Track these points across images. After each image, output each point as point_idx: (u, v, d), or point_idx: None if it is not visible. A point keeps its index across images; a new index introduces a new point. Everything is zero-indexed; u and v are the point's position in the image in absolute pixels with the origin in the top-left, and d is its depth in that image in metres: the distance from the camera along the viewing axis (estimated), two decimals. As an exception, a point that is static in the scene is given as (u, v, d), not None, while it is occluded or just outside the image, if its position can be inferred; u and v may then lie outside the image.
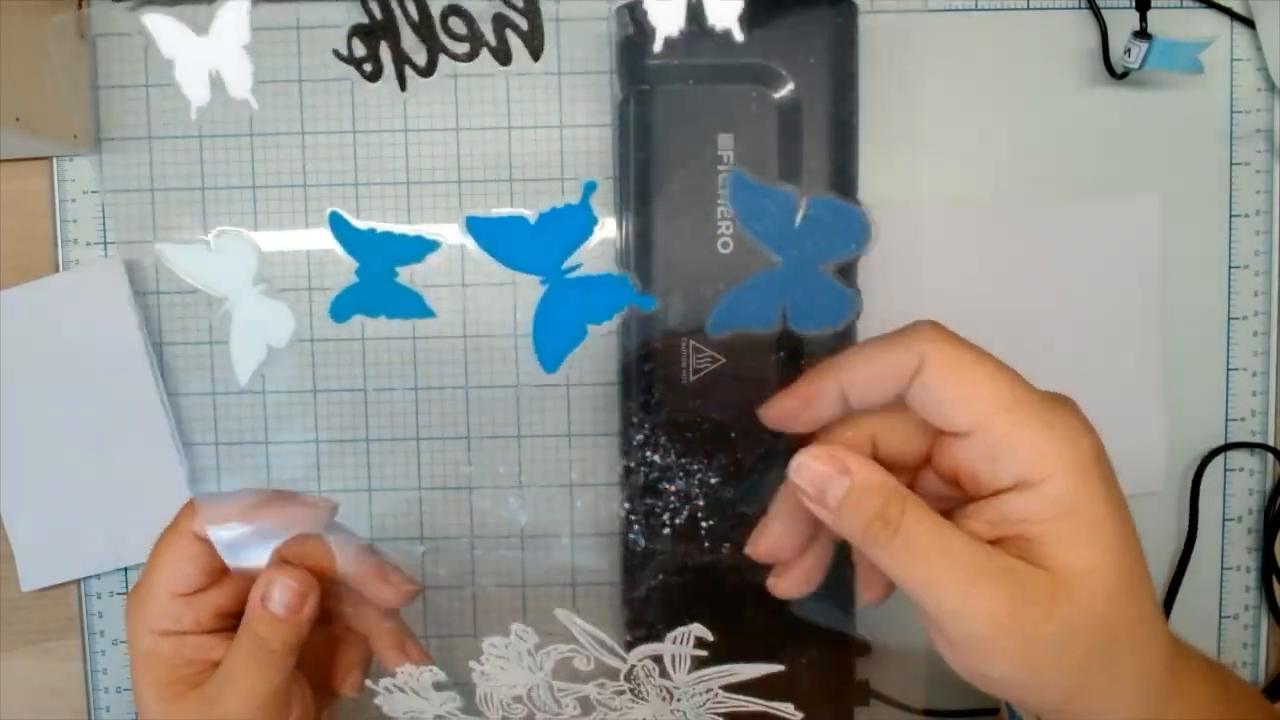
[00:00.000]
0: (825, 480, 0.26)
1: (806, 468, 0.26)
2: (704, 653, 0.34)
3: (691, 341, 0.42)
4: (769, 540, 0.30)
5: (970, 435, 0.26)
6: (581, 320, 0.31)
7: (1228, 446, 0.49)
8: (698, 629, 0.34)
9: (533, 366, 0.49)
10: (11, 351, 0.48)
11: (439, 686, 0.36)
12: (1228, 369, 0.49)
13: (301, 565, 0.33)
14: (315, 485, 0.49)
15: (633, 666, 0.35)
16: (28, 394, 0.48)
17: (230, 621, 0.34)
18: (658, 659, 0.35)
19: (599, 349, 0.49)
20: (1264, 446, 0.49)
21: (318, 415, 0.49)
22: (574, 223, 0.30)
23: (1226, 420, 0.50)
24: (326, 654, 0.37)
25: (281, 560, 0.33)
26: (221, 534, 0.32)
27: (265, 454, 0.49)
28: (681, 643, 0.34)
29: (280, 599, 0.31)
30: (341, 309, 0.32)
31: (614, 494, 0.49)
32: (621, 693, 0.35)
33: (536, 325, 0.31)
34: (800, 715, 0.33)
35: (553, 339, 0.32)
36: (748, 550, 0.30)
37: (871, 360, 0.27)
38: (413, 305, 0.32)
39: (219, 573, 0.33)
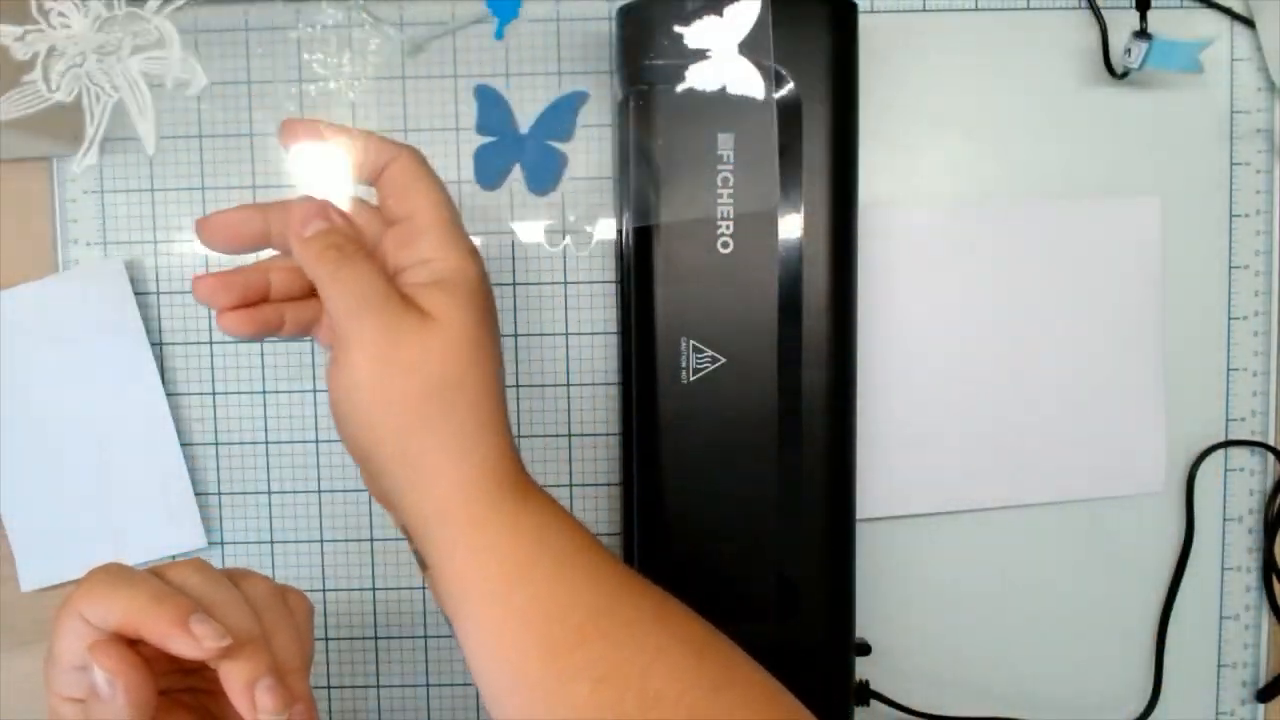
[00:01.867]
0: (314, 214, 0.34)
1: (308, 203, 0.34)
2: None
3: (691, 341, 0.42)
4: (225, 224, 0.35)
5: (404, 221, 0.34)
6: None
7: (1228, 443, 0.49)
8: None
9: (534, 367, 0.49)
10: (11, 351, 0.48)
11: None
12: (1228, 369, 0.49)
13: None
14: (314, 485, 0.49)
15: None
16: (28, 394, 0.48)
17: None
18: None
19: (599, 348, 0.49)
20: (1263, 445, 0.49)
21: (318, 416, 0.49)
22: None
23: (1226, 420, 0.50)
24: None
25: (106, 640, 0.31)
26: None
27: (265, 454, 0.49)
28: None
29: (105, 688, 0.30)
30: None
31: (615, 494, 0.49)
32: None
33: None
34: None
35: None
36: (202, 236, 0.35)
37: (369, 140, 0.35)
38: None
39: None
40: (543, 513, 0.34)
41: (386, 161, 0.34)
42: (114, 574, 0.32)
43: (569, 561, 0.33)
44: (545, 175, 0.40)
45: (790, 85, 0.41)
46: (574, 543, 0.34)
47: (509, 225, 0.48)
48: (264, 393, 0.49)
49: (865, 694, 0.47)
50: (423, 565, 0.34)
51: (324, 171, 0.35)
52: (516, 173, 0.40)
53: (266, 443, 0.49)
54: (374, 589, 0.50)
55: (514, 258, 0.49)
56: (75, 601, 0.31)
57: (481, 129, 0.40)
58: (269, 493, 0.50)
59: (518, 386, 0.49)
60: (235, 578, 0.34)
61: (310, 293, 0.36)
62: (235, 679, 0.31)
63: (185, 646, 0.30)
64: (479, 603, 0.32)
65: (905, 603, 0.50)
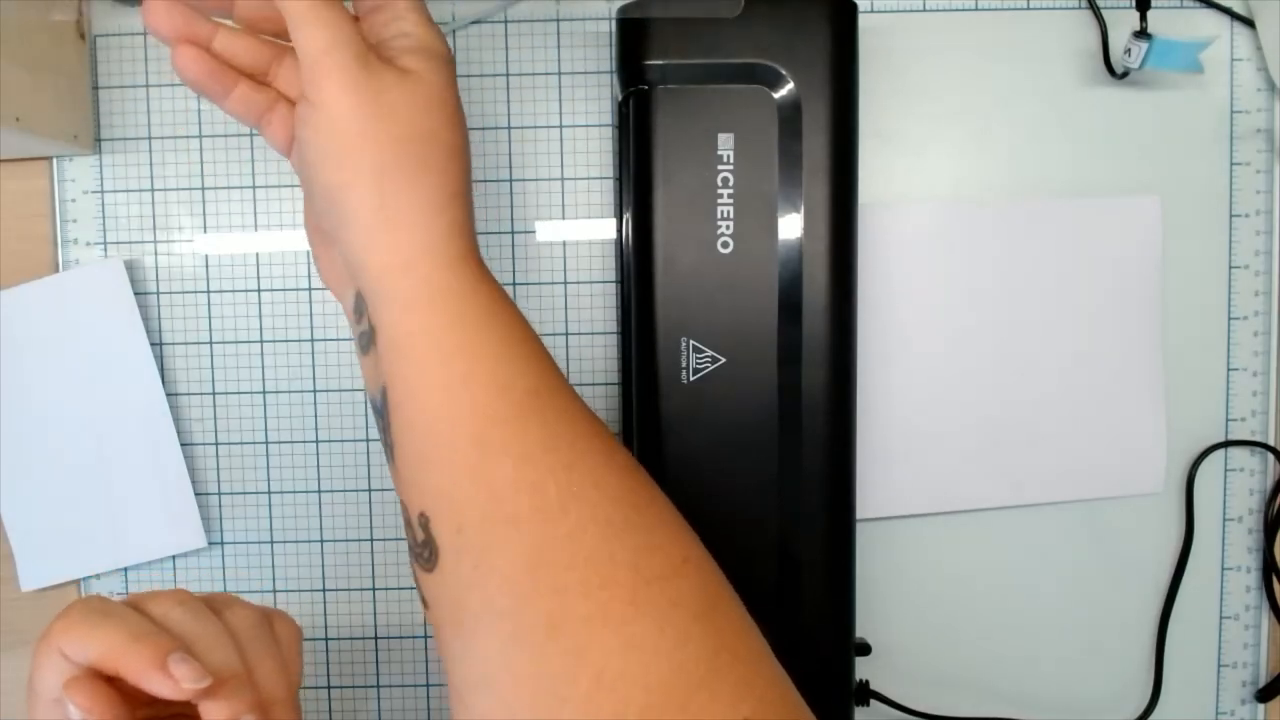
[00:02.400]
0: None
1: None
2: None
3: (691, 341, 0.42)
4: None
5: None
6: None
7: (1228, 443, 0.49)
8: None
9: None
10: (11, 351, 0.48)
11: None
12: (1228, 369, 0.49)
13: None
14: (314, 485, 0.49)
15: None
16: (28, 394, 0.48)
17: None
18: None
19: (599, 348, 0.49)
20: (1263, 445, 0.49)
21: (318, 415, 0.49)
22: None
23: (1226, 420, 0.50)
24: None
25: (81, 676, 0.30)
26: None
27: (265, 454, 0.49)
28: None
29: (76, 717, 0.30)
30: None
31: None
32: None
33: None
34: None
35: None
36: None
37: None
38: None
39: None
40: (497, 293, 0.33)
41: None
42: (94, 609, 0.31)
43: (516, 340, 0.33)
44: None
45: (790, 85, 0.41)
46: (524, 329, 0.33)
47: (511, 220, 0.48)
48: (264, 393, 0.49)
49: (865, 694, 0.47)
50: (368, 345, 0.33)
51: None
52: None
53: (266, 443, 0.49)
54: (374, 589, 0.50)
55: (514, 257, 0.49)
56: (54, 636, 0.31)
57: None
58: (269, 493, 0.50)
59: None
60: (219, 607, 0.33)
61: (263, 80, 0.36)
62: (216, 718, 0.30)
63: (163, 687, 0.29)
64: (424, 361, 0.32)
65: (905, 603, 0.50)
